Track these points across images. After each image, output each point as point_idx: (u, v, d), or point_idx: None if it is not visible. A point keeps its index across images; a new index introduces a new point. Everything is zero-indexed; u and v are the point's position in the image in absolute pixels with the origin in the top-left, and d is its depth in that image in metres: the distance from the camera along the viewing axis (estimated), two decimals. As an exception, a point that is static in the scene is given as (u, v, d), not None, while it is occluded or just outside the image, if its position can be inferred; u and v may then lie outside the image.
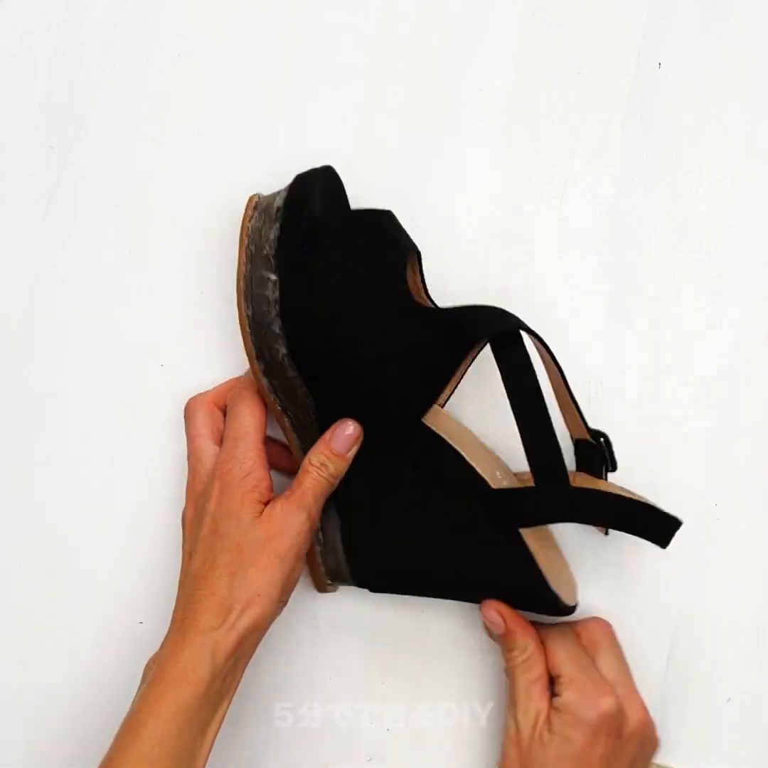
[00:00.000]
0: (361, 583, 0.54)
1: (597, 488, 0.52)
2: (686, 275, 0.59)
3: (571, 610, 0.53)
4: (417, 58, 0.59)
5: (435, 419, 0.52)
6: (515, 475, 0.55)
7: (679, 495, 0.58)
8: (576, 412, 0.54)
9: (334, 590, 0.55)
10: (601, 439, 0.55)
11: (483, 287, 0.58)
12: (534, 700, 0.51)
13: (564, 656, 0.52)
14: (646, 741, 0.52)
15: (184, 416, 0.55)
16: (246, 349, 0.51)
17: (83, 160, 0.58)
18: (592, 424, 0.56)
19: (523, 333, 0.50)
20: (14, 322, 0.57)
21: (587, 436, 0.54)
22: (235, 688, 0.49)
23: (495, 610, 0.53)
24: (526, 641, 0.52)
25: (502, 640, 0.53)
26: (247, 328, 0.51)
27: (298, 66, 0.59)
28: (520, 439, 0.49)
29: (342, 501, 0.52)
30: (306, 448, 0.52)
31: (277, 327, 0.50)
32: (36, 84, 0.58)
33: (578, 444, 0.56)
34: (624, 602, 0.57)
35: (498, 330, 0.49)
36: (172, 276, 0.58)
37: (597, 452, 0.55)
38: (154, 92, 0.58)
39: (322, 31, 0.59)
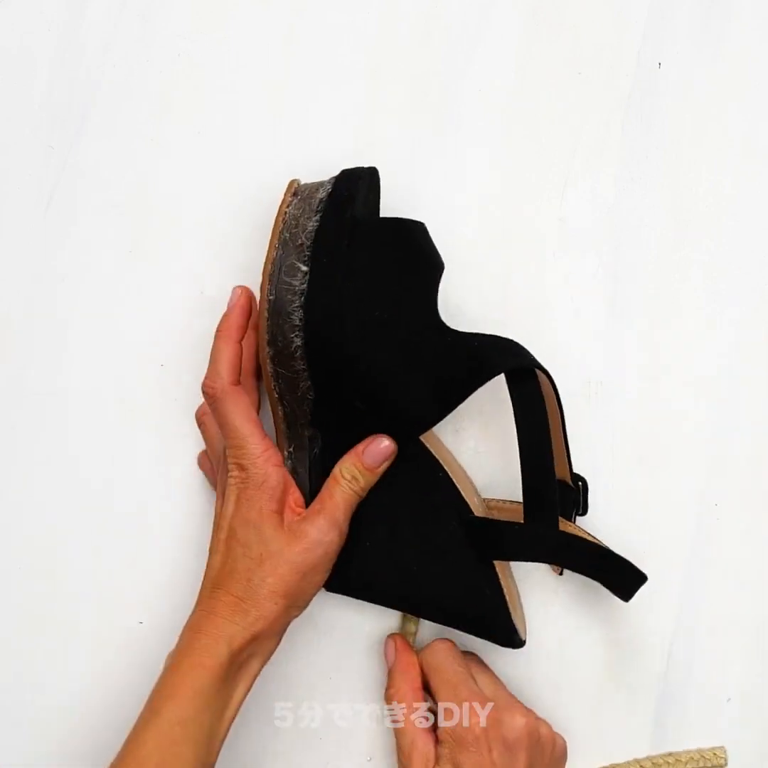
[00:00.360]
0: (330, 587, 0.54)
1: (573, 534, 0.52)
2: (686, 275, 0.59)
3: (522, 644, 0.53)
4: (417, 58, 0.59)
5: (427, 437, 0.52)
6: (485, 500, 0.56)
7: (679, 495, 0.58)
8: (565, 453, 0.54)
9: None
10: (579, 483, 0.55)
11: (483, 287, 0.58)
12: (418, 748, 0.51)
13: (437, 682, 0.52)
14: (540, 744, 0.52)
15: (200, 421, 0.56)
16: (259, 333, 0.51)
17: (83, 160, 0.58)
18: (591, 424, 0.57)
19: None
20: (14, 322, 0.57)
21: (568, 479, 0.54)
22: (250, 682, 0.50)
23: (394, 641, 0.54)
24: (400, 687, 0.52)
25: (388, 675, 0.54)
26: (266, 313, 0.50)
27: (298, 66, 0.59)
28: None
29: None
30: (292, 439, 0.52)
31: (297, 318, 0.49)
32: (36, 84, 0.58)
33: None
34: (624, 602, 0.57)
35: (517, 364, 0.50)
36: (172, 276, 0.58)
37: (571, 495, 0.55)
38: (154, 92, 0.58)
39: (322, 31, 0.59)
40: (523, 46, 0.59)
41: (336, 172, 0.52)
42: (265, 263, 0.50)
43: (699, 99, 0.60)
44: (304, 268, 0.49)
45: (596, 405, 0.57)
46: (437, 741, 0.51)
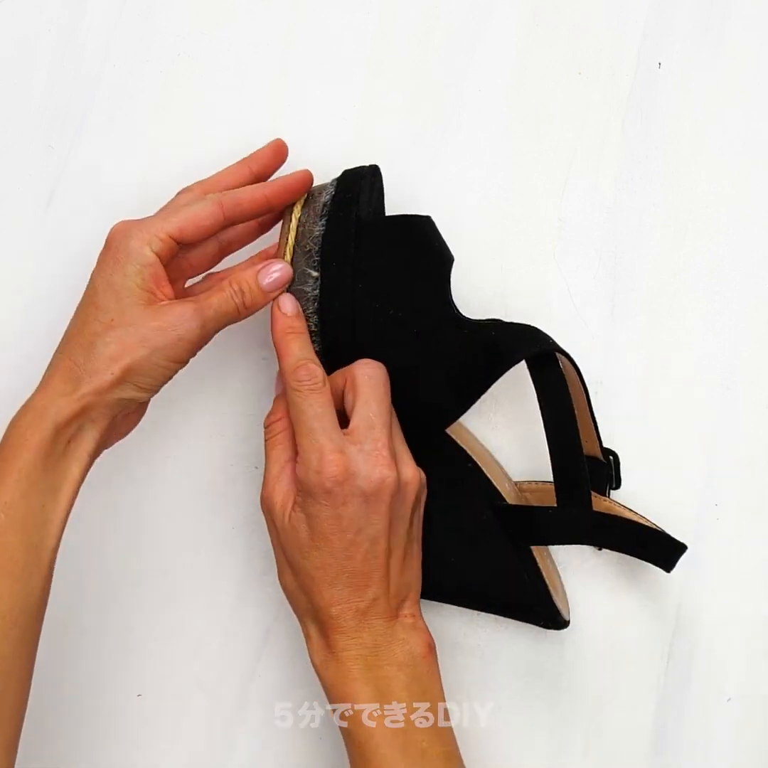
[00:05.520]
0: None
1: (607, 510, 0.52)
2: (686, 275, 0.59)
3: (566, 624, 0.53)
4: (417, 58, 0.59)
5: (453, 429, 0.52)
6: (516, 483, 0.56)
7: (679, 495, 0.58)
8: (593, 430, 0.54)
9: None
10: (611, 457, 0.56)
11: (483, 287, 0.58)
12: (283, 483, 0.48)
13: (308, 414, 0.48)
14: (404, 493, 0.48)
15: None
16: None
17: (83, 160, 0.58)
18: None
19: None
20: (14, 322, 0.57)
21: (599, 454, 0.55)
22: (87, 461, 0.47)
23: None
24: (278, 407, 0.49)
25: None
26: None
27: (298, 66, 0.59)
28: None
29: None
30: None
31: (312, 324, 0.50)
32: (36, 84, 0.58)
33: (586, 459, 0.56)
34: (624, 602, 0.57)
35: (536, 350, 0.50)
36: (172, 276, 0.58)
37: (604, 469, 0.55)
38: (154, 92, 0.58)
39: (322, 31, 0.59)
40: (523, 46, 0.59)
41: (337, 173, 0.52)
42: None
43: (699, 99, 0.60)
44: (315, 274, 0.50)
45: (596, 405, 0.57)
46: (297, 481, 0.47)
